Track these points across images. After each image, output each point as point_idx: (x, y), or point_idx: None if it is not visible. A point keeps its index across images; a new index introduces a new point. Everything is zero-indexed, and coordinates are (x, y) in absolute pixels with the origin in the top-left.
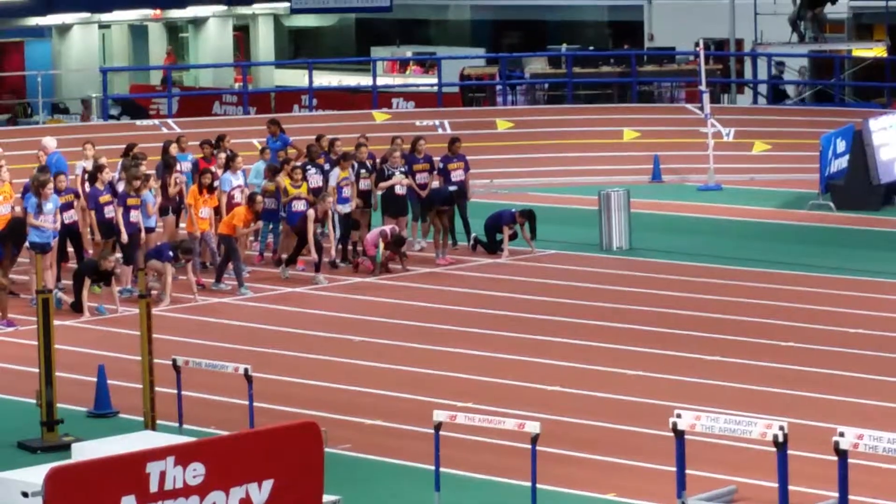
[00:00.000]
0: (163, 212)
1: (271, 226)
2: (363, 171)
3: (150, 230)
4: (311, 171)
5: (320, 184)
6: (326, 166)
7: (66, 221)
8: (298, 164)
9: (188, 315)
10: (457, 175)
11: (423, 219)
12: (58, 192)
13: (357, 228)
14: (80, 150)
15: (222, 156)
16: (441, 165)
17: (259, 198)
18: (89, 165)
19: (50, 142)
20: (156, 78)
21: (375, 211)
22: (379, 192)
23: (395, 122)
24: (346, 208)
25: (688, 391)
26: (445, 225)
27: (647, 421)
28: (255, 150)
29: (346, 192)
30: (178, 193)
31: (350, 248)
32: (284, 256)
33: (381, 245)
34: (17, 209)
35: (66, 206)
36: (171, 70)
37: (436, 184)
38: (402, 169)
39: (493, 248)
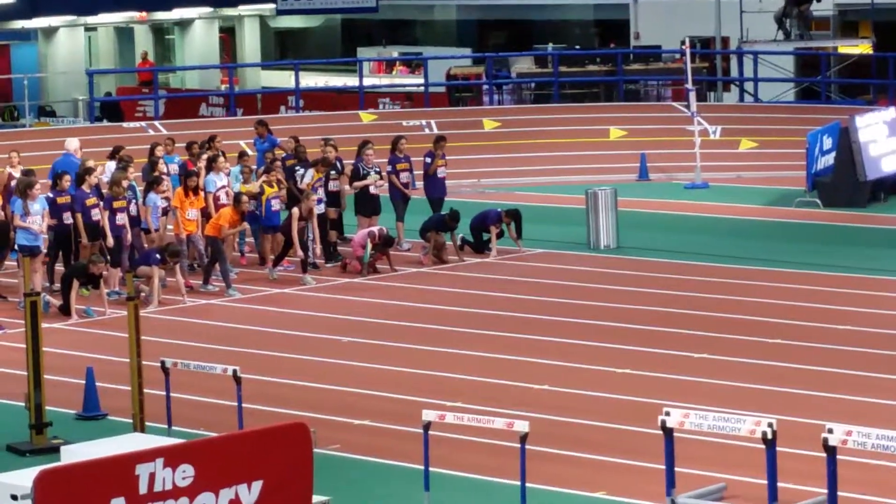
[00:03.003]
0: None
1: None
2: (332, 172)
3: (149, 231)
4: (300, 171)
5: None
6: (300, 170)
7: (66, 222)
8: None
9: (176, 317)
10: (442, 172)
11: (422, 238)
12: (60, 191)
13: (335, 228)
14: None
15: (205, 157)
16: (429, 160)
17: (245, 198)
18: None
19: (72, 143)
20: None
21: (345, 211)
22: (353, 192)
23: (382, 122)
24: (317, 209)
25: (676, 389)
26: (441, 241)
27: (636, 419)
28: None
29: (319, 192)
30: (166, 196)
31: (331, 248)
32: (271, 258)
33: (369, 245)
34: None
35: (66, 207)
36: (156, 73)
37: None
38: (377, 168)
39: (479, 247)
